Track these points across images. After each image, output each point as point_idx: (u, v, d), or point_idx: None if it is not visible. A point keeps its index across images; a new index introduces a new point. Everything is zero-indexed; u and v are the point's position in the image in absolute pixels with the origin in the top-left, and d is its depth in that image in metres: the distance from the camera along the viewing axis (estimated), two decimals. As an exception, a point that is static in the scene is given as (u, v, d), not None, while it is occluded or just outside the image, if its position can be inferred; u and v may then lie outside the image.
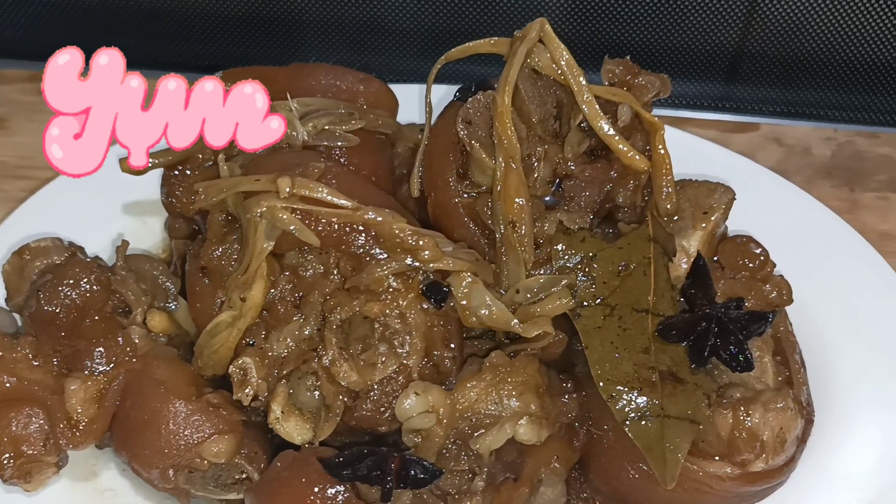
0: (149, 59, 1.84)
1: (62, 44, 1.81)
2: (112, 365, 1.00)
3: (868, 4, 1.75)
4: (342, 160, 1.12)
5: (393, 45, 1.81)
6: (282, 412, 0.94)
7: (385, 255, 0.94)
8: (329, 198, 0.91)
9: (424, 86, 1.17)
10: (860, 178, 1.60)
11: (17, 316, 1.10)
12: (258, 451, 0.99)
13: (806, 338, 1.21)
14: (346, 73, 1.28)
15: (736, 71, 1.95)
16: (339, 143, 1.12)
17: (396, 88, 1.31)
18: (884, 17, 1.79)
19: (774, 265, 1.15)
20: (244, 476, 0.99)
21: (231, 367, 0.95)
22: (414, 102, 1.40)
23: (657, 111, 1.86)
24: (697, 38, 1.88)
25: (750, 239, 1.16)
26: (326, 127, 1.13)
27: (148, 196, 1.31)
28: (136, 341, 1.02)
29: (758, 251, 1.14)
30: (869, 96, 1.89)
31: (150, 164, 1.17)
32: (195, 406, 0.96)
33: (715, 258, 1.17)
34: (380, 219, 0.91)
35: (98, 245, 1.26)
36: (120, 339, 1.01)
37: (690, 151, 1.40)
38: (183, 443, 0.96)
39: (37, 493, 1.00)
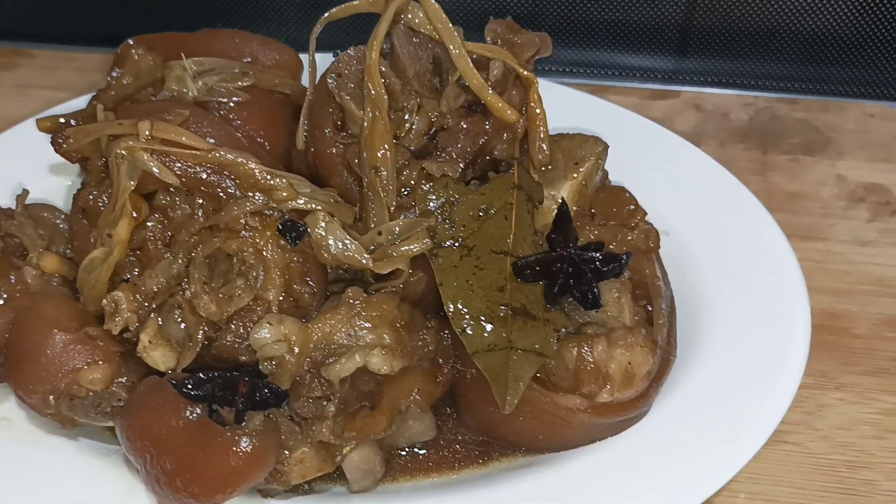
0: (65, 33, 1.94)
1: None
2: (3, 301, 1.08)
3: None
4: (231, 115, 1.20)
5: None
6: (149, 342, 1.02)
7: (241, 195, 1.01)
8: (186, 140, 0.99)
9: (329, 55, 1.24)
10: (774, 140, 1.64)
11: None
12: (136, 381, 1.07)
13: (688, 285, 1.27)
14: (252, 37, 1.35)
15: (685, 44, 2.00)
16: (228, 99, 1.19)
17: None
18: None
19: (645, 213, 1.20)
20: (122, 404, 1.06)
21: (104, 300, 1.03)
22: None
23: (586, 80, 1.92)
24: (644, 12, 1.93)
25: (621, 189, 1.21)
26: (216, 85, 1.20)
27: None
28: (29, 281, 1.10)
29: (628, 199, 1.20)
30: (807, 67, 1.92)
31: (63, 123, 1.26)
32: (73, 337, 1.04)
33: (593, 210, 1.23)
34: (231, 157, 0.98)
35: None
36: (12, 277, 1.09)
37: (574, 107, 1.47)
38: (60, 370, 1.03)
39: (-65, 422, 1.09)
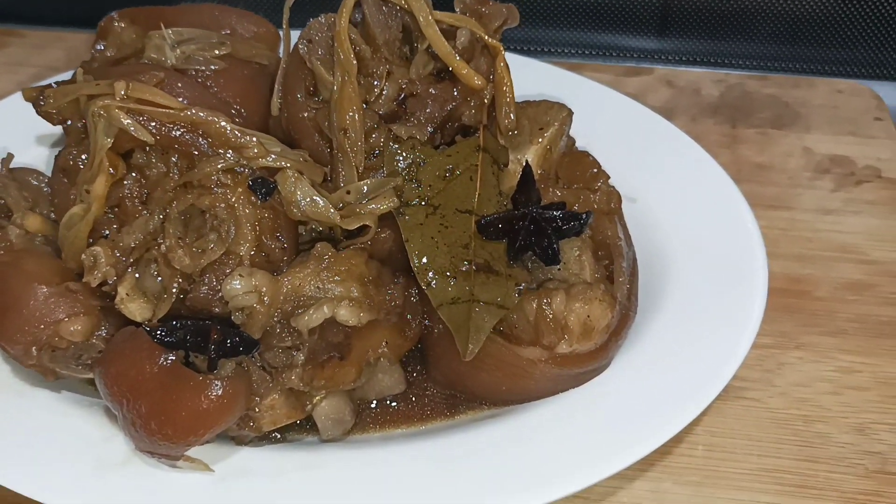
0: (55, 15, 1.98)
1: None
2: (-12, 257, 1.13)
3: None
4: (209, 83, 1.24)
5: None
6: (126, 294, 1.06)
7: (213, 153, 1.05)
8: (160, 100, 1.03)
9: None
10: (744, 115, 1.69)
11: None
12: (114, 333, 1.11)
13: (653, 247, 1.31)
14: (230, 11, 1.40)
15: (665, 25, 2.04)
16: (205, 67, 1.24)
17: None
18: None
19: (608, 176, 1.24)
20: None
21: (83, 254, 1.07)
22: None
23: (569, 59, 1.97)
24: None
25: (585, 153, 1.26)
26: (194, 54, 1.24)
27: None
28: (13, 239, 1.15)
29: (590, 162, 1.24)
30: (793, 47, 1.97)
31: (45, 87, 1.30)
32: (54, 290, 1.09)
33: (558, 174, 1.27)
34: (203, 116, 1.02)
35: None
36: (-3, 235, 1.14)
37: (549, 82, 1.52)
38: (42, 322, 1.08)
39: (-77, 375, 1.13)
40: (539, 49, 2.05)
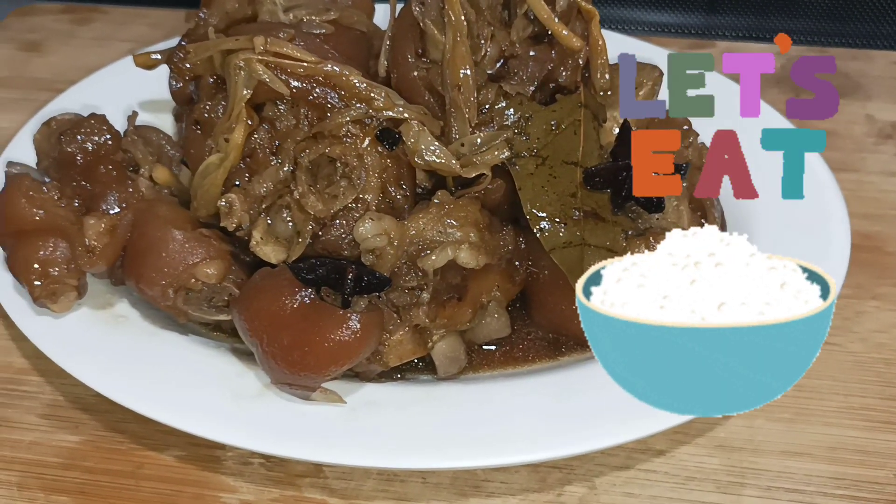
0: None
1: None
2: (123, 206, 1.19)
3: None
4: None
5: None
6: (261, 238, 1.13)
7: (343, 105, 1.12)
8: (297, 54, 1.10)
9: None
10: (807, 85, 1.75)
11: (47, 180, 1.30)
12: (244, 277, 1.18)
13: (738, 205, 1.38)
14: (330, -21, 1.47)
15: (714, 1, 2.11)
16: (316, 31, 1.30)
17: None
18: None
19: (697, 134, 1.31)
20: (231, 299, 1.18)
21: (220, 201, 1.14)
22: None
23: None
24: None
25: (675, 112, 1.32)
26: (305, 18, 1.32)
27: (161, 94, 1.51)
28: (143, 190, 1.22)
29: (681, 121, 1.31)
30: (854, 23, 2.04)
31: (159, 59, 1.37)
32: (190, 235, 1.16)
33: (649, 133, 1.34)
34: (337, 70, 1.09)
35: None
36: (130, 187, 1.21)
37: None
38: (180, 265, 1.15)
39: (63, 316, 1.20)
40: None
